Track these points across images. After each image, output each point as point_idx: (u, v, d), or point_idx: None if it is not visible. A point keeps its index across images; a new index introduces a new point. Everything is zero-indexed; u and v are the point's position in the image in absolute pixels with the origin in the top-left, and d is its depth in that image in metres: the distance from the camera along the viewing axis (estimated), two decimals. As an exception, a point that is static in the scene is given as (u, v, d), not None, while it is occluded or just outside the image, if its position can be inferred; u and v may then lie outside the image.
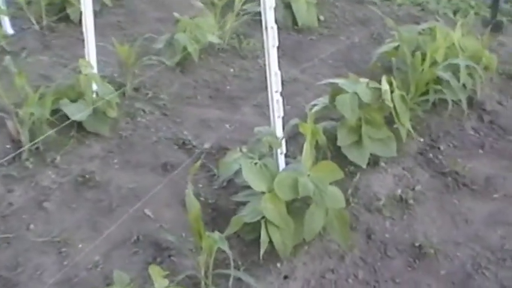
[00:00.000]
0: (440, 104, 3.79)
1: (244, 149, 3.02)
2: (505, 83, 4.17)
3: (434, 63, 3.61)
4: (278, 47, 4.51)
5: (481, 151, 3.53)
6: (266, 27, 2.84)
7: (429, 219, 3.06)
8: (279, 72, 2.96)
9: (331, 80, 3.47)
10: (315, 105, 3.43)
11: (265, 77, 4.23)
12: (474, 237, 2.96)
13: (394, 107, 3.28)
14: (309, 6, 4.83)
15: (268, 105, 2.96)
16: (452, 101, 3.60)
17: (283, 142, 3.01)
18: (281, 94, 2.96)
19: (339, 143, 3.23)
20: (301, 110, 3.82)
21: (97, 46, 3.57)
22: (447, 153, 3.48)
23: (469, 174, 3.32)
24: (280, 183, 2.65)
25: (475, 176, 3.31)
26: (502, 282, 2.69)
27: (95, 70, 3.55)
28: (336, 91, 3.31)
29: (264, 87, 4.11)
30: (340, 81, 3.38)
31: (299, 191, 2.62)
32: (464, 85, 3.66)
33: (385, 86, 3.25)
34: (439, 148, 3.53)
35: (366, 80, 3.40)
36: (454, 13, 4.78)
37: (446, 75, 3.42)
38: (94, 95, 3.50)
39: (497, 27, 4.50)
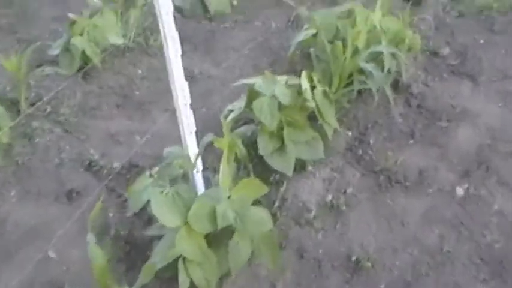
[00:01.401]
0: (366, 92, 3.55)
1: (155, 172, 2.68)
2: (429, 60, 3.98)
3: (356, 51, 3.35)
4: (189, 40, 4.20)
5: (411, 141, 3.32)
6: (165, 37, 2.48)
7: (364, 226, 2.84)
8: (186, 84, 2.62)
9: (246, 81, 3.15)
10: (231, 110, 3.12)
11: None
12: (412, 241, 2.76)
13: (317, 105, 3.01)
14: (219, -10, 4.47)
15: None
16: (378, 89, 3.37)
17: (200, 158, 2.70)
18: (191, 106, 2.63)
19: (260, 152, 2.94)
20: (218, 112, 3.52)
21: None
22: (377, 147, 3.26)
23: (401, 169, 3.12)
24: (196, 215, 2.34)
25: (408, 171, 3.11)
26: (444, 291, 2.52)
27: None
28: (252, 94, 3.01)
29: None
30: (256, 82, 3.08)
31: (218, 222, 2.32)
32: (389, 70, 3.43)
33: (305, 84, 2.97)
34: (368, 142, 3.30)
35: (284, 77, 3.11)
36: (372, -13, 4.51)
37: (369, 66, 3.17)
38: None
39: (417, 1, 4.28)
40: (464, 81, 3.79)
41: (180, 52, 2.55)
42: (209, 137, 2.70)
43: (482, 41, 4.04)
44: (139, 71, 3.88)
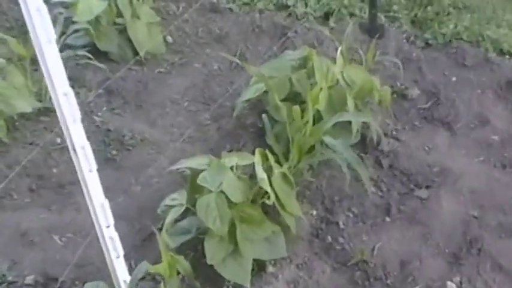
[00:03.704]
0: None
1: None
2: (398, 104, 3.47)
3: (317, 115, 2.80)
4: (117, 92, 3.55)
5: (387, 218, 2.81)
6: (74, 149, 1.87)
7: None
8: (107, 202, 2.01)
9: (186, 166, 2.56)
10: (169, 206, 2.52)
11: (106, 140, 3.29)
12: None
13: (276, 195, 2.45)
14: (151, 27, 3.82)
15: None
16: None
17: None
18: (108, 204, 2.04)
19: (208, 262, 2.36)
20: (156, 191, 2.92)
21: None
22: (348, 231, 2.74)
23: (380, 260, 2.61)
24: None
25: (388, 262, 2.60)
26: None
27: None
28: (195, 187, 2.42)
29: (106, 157, 3.17)
30: (198, 166, 2.49)
31: None
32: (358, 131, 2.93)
33: (260, 173, 2.40)
34: (337, 224, 2.77)
35: (234, 159, 2.53)
36: (326, 16, 3.97)
37: (333, 142, 2.61)
38: None
39: (378, 33, 3.76)
40: (439, 130, 3.31)
41: (94, 166, 1.94)
42: (143, 266, 2.10)
43: (454, 79, 3.56)
44: (58, 140, 3.22)
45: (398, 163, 3.10)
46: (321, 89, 2.79)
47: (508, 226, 2.77)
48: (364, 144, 3.14)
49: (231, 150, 3.16)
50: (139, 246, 2.66)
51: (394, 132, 3.27)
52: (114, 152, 3.17)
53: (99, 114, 3.41)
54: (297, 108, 2.68)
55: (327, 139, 2.60)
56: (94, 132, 3.29)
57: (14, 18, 4.01)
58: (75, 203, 2.91)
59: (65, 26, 3.63)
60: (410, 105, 3.46)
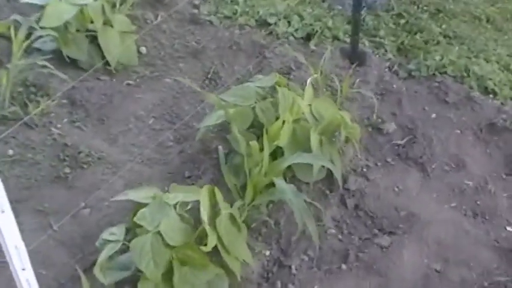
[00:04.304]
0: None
1: None
2: (372, 138, 3.31)
3: (278, 150, 2.64)
4: (80, 104, 3.39)
5: (344, 265, 2.65)
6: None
7: None
8: (22, 244, 1.85)
9: (129, 198, 2.40)
10: (107, 241, 2.36)
11: (61, 156, 3.13)
12: None
13: (220, 239, 2.29)
14: (124, 36, 3.65)
15: None
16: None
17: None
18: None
19: (142, 309, 2.20)
20: (105, 216, 2.77)
21: None
22: (300, 278, 2.58)
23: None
24: None
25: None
26: None
27: None
28: (135, 222, 2.26)
29: (57, 175, 3.01)
30: (142, 200, 2.33)
31: None
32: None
33: (204, 215, 2.24)
34: (290, 267, 2.61)
35: (179, 195, 2.38)
36: (308, 37, 3.80)
37: (284, 187, 2.45)
38: None
39: (359, 59, 3.59)
40: (412, 171, 3.14)
41: (7, 207, 1.78)
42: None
43: (433, 115, 3.39)
44: (10, 151, 3.06)
45: (365, 204, 2.94)
46: (283, 122, 2.63)
47: (472, 283, 2.61)
48: (330, 181, 2.98)
49: (189, 177, 3.02)
50: (78, 278, 2.50)
51: (364, 169, 3.10)
52: (67, 170, 3.01)
53: (59, 126, 3.25)
54: (254, 143, 2.52)
55: (278, 182, 2.43)
56: (50, 145, 3.13)
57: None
58: (18, 222, 2.75)
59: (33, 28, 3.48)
60: (385, 140, 3.29)
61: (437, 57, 3.67)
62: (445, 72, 3.56)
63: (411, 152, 3.21)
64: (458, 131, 3.30)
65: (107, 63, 3.58)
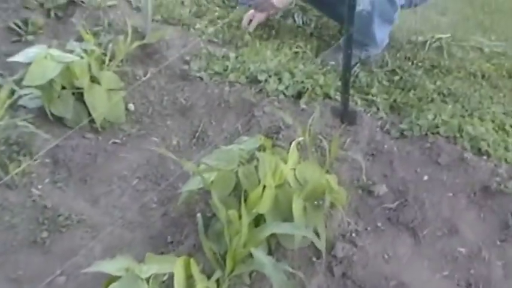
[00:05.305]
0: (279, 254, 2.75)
1: None
2: (362, 200, 3.21)
3: (260, 217, 2.55)
4: (63, 163, 3.32)
5: None
6: None
7: None
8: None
9: (101, 269, 2.30)
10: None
11: (40, 219, 3.04)
12: None
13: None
14: (112, 95, 3.60)
15: None
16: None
17: None
18: None
19: None
20: (80, 285, 2.67)
21: None
22: None
23: None
24: None
25: None
26: None
27: None
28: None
29: (35, 239, 2.92)
30: (115, 272, 2.23)
31: None
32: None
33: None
34: None
35: (154, 267, 2.27)
36: (299, 95, 3.74)
37: (263, 260, 2.35)
38: None
39: (350, 118, 3.52)
40: (403, 236, 3.03)
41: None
42: None
43: (426, 177, 3.28)
44: (-16, 216, 2.97)
45: (352, 272, 2.82)
46: (264, 188, 2.54)
47: None
48: (316, 247, 2.86)
49: (171, 242, 2.92)
50: None
51: (352, 234, 2.99)
52: (44, 234, 2.91)
53: (39, 187, 3.17)
54: (233, 212, 2.42)
55: (257, 254, 2.33)
56: (29, 207, 3.05)
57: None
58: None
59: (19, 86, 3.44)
60: (376, 203, 3.19)
61: (430, 116, 3.58)
62: (438, 133, 3.47)
63: (402, 216, 3.11)
64: (451, 194, 3.19)
65: (93, 121, 3.53)
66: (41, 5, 4.38)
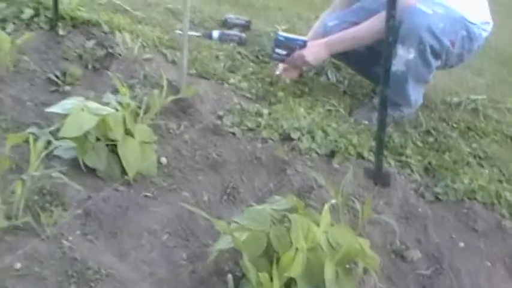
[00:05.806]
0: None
1: None
2: (394, 265, 3.12)
3: (292, 281, 2.49)
4: (94, 215, 3.31)
5: None
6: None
7: None
8: None
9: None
10: None
11: (69, 271, 3.01)
12: None
13: None
14: (145, 148, 3.61)
15: None
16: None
17: None
18: None
19: None
20: None
21: None
22: None
23: None
24: None
25: None
26: None
27: None
28: None
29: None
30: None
31: None
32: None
33: None
34: None
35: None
36: (332, 154, 3.71)
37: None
38: None
39: (383, 180, 3.47)
40: (438, 306, 2.92)
41: None
42: None
43: (462, 244, 3.20)
44: (18, 265, 2.96)
45: None
46: (296, 250, 2.49)
47: None
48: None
49: (199, 302, 2.86)
50: None
51: (385, 301, 2.90)
52: (73, 287, 2.88)
53: (70, 238, 3.15)
54: (264, 275, 2.37)
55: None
56: (59, 259, 3.02)
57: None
58: None
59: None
60: (409, 269, 3.10)
61: (466, 181, 3.52)
62: (475, 198, 3.39)
63: (437, 283, 3.01)
64: (489, 263, 3.09)
65: (126, 173, 3.54)
66: (80, 56, 4.50)
